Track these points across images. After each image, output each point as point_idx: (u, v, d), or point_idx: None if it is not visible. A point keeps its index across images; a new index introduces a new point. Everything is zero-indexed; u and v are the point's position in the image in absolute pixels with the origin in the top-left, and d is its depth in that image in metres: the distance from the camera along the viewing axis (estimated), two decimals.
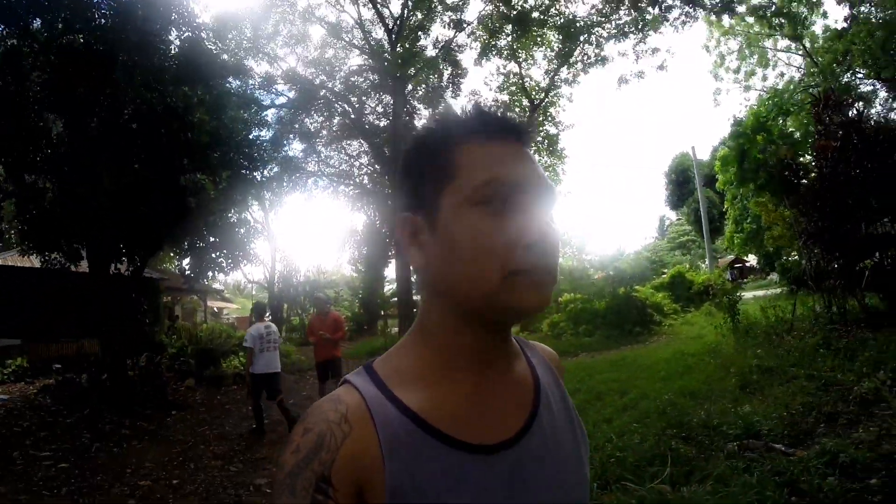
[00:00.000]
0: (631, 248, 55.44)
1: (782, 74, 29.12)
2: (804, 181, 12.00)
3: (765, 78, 29.29)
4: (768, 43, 27.63)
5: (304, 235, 52.84)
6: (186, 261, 12.40)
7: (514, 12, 19.18)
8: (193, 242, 11.48)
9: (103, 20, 9.34)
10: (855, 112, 11.07)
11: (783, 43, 27.68)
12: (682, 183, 55.19)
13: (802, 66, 27.96)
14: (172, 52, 10.32)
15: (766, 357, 8.08)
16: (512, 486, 0.69)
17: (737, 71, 29.15)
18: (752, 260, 36.50)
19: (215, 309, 28.09)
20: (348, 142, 24.25)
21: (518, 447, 0.72)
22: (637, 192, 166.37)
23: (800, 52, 27.44)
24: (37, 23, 9.31)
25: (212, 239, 11.59)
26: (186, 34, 10.49)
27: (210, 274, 12.22)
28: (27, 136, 9.01)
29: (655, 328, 16.27)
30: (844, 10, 23.63)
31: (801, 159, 13.10)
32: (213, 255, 11.72)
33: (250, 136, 12.70)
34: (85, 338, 13.56)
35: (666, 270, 24.81)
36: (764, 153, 17.48)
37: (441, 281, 0.73)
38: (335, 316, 8.78)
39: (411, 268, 0.77)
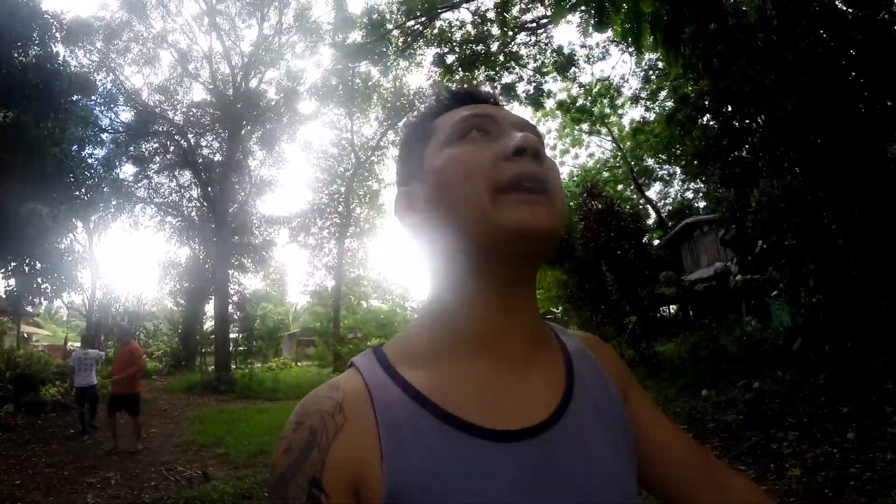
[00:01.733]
0: None
1: (592, 155, 33.92)
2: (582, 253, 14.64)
3: (577, 156, 34.00)
4: (585, 126, 30.74)
5: (126, 263, 50.00)
6: (7, 282, 12.28)
7: (341, 87, 21.22)
8: (20, 266, 11.49)
9: None
10: (608, 202, 14.11)
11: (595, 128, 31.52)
12: None
13: (611, 150, 32.76)
14: (26, 66, 10.39)
15: None
16: (537, 477, 0.61)
17: (553, 147, 32.91)
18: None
19: (25, 334, 26.22)
20: (181, 171, 24.18)
21: (545, 436, 0.64)
22: None
23: (608, 139, 32.02)
24: None
25: (38, 265, 11.66)
26: (39, 51, 10.75)
27: (36, 300, 12.29)
28: None
29: None
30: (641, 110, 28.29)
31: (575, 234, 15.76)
32: (39, 281, 11.79)
33: (83, 154, 13.02)
34: None
35: None
36: None
37: (436, 222, 0.70)
38: (132, 348, 8.54)
39: (414, 240, 0.75)
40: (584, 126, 30.08)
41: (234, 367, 22.49)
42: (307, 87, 22.47)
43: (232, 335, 27.25)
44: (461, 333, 0.68)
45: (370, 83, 22.13)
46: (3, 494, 6.15)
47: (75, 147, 12.31)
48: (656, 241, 25.00)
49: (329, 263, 28.17)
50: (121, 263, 53.78)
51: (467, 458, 0.60)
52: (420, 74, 31.97)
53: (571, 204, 14.90)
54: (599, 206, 13.87)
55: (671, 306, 22.73)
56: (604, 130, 31.08)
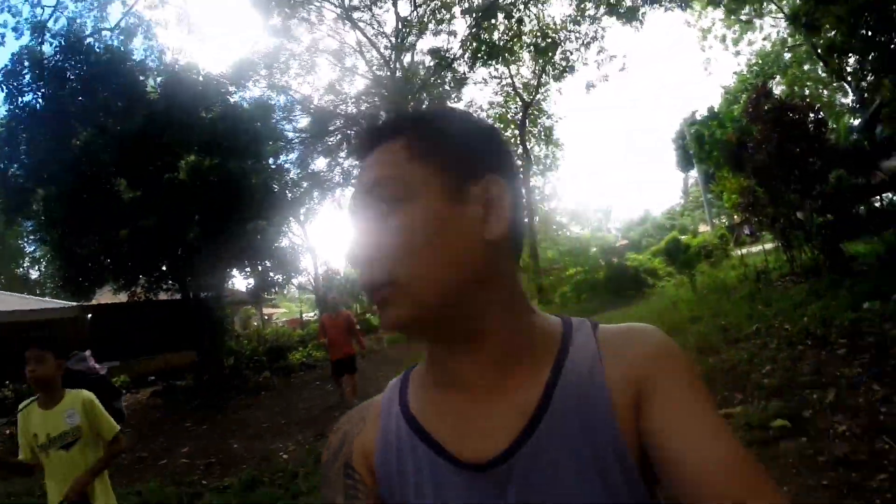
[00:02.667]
0: (658, 210, 57.88)
1: (767, 37, 29.20)
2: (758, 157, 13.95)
3: (751, 42, 29.45)
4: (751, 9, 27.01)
5: (340, 239, 55.03)
6: (249, 280, 15.51)
7: (484, 46, 21.87)
8: (255, 266, 14.61)
9: (154, 108, 12.29)
10: (781, 102, 13.25)
11: (766, 8, 27.10)
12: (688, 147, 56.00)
13: (786, 26, 27.27)
14: (214, 121, 13.10)
15: (697, 307, 10.45)
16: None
17: (723, 39, 28.99)
18: None
19: (266, 316, 30.77)
20: None
21: (501, 469, 0.67)
22: (657, 157, 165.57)
23: (780, 17, 26.84)
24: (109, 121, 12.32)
25: (268, 263, 14.73)
26: (219, 106, 13.57)
27: (273, 291, 15.38)
28: (101, 198, 11.93)
29: (648, 290, 18.21)
30: None
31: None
32: (271, 275, 14.92)
33: (279, 162, 16.22)
34: (167, 352, 16.77)
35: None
36: (713, 137, 19.88)
37: None
38: (347, 314, 9.23)
39: None
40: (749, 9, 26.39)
41: None
42: (454, 49, 23.28)
43: None
44: (431, 369, 0.78)
45: (511, 31, 22.39)
46: (276, 430, 8.90)
47: (272, 160, 15.00)
48: (856, 122, 22.53)
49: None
50: (335, 240, 59.03)
51: (426, 470, 0.71)
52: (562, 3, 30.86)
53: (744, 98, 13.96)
54: (772, 106, 13.14)
55: (886, 195, 19.64)
56: (773, 8, 26.98)
